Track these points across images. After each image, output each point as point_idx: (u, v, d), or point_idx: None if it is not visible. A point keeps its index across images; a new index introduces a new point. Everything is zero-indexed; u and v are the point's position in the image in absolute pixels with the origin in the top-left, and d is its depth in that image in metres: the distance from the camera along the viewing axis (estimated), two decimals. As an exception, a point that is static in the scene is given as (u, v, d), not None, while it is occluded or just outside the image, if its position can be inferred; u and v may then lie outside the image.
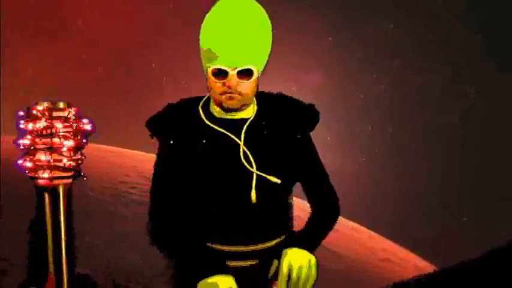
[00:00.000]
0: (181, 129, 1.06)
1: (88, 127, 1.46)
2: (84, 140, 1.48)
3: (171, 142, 1.05)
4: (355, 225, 12.43)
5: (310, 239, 1.06)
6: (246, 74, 0.98)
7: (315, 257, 1.01)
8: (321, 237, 1.10)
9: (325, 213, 1.14)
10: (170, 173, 1.07)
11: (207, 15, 1.00)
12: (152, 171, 1.12)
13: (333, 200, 1.16)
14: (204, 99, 1.11)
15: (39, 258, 1.51)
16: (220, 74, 0.98)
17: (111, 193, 8.95)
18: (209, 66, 0.99)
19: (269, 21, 1.02)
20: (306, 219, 1.14)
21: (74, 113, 1.45)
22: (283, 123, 1.08)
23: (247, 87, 1.00)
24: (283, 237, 1.08)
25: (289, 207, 1.12)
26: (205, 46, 0.99)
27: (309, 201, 1.17)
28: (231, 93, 0.98)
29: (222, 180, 1.02)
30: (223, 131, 1.03)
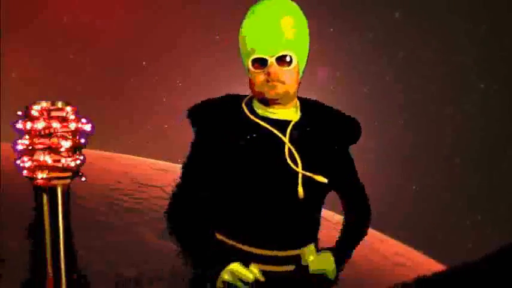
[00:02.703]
0: (224, 122, 1.10)
1: (87, 127, 1.53)
2: (82, 140, 1.56)
3: (212, 135, 1.09)
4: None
5: (343, 252, 1.19)
6: (285, 60, 1.06)
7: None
8: (352, 248, 1.22)
9: (359, 224, 1.24)
10: (205, 165, 1.09)
11: (246, 15, 1.11)
12: (184, 162, 1.14)
13: (367, 212, 1.26)
14: (247, 97, 1.17)
15: (38, 258, 1.61)
16: (260, 63, 1.06)
17: (102, 201, 8.99)
18: (249, 58, 1.07)
19: (302, 13, 1.12)
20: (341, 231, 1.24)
21: (72, 112, 1.54)
22: (327, 131, 1.14)
23: (288, 75, 1.06)
24: (313, 243, 1.14)
25: (321, 213, 1.18)
26: (244, 41, 1.08)
27: (345, 211, 1.25)
28: (272, 81, 1.05)
29: (265, 177, 1.06)
30: (269, 127, 1.08)
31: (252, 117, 1.10)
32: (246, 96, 1.18)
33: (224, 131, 1.09)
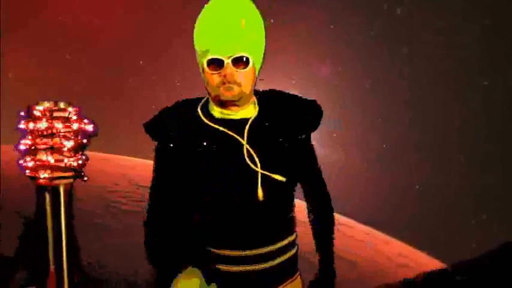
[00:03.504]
0: (180, 131, 1.10)
1: (89, 127, 1.59)
2: (85, 140, 1.62)
3: (171, 145, 1.10)
4: (368, 229, 12.53)
5: (328, 269, 1.24)
6: (241, 62, 1.05)
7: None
8: (332, 254, 1.27)
9: (327, 227, 1.28)
10: (170, 178, 1.11)
11: (201, 13, 1.09)
12: (150, 177, 1.15)
13: (329, 205, 1.30)
14: (203, 101, 1.17)
15: (40, 257, 1.66)
16: (216, 64, 1.04)
17: (99, 203, 9.04)
18: (205, 58, 1.06)
19: (258, 13, 1.11)
20: (313, 237, 1.28)
21: (74, 113, 1.60)
22: (286, 121, 1.14)
23: (244, 76, 1.06)
24: (286, 240, 1.17)
25: (292, 208, 1.20)
26: (199, 40, 1.07)
27: (307, 203, 1.28)
28: (228, 82, 1.04)
29: (226, 180, 1.07)
30: (225, 130, 1.09)
31: (207, 122, 1.10)
32: (201, 98, 1.18)
33: (182, 140, 1.09)
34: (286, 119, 1.15)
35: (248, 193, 1.08)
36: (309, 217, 1.31)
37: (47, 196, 1.66)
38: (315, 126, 1.20)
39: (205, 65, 1.07)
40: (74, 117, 1.60)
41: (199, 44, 1.08)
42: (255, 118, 1.13)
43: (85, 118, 1.59)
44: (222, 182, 1.07)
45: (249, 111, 1.14)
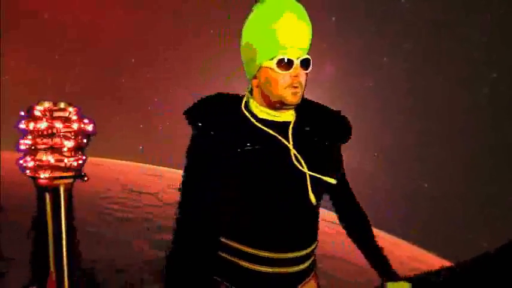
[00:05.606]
0: (226, 128, 1.10)
1: (89, 127, 1.64)
2: (84, 140, 1.68)
3: (212, 138, 1.09)
4: (375, 230, 12.60)
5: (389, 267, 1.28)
6: (306, 64, 1.08)
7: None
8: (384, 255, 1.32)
9: (367, 232, 1.32)
10: (208, 174, 1.10)
11: (261, 10, 1.08)
12: (181, 176, 1.16)
13: (362, 209, 1.35)
14: (244, 99, 1.18)
15: (40, 258, 1.74)
16: (284, 64, 1.05)
17: (92, 210, 9.11)
18: (271, 58, 1.05)
19: None
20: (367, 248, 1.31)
21: (74, 113, 1.67)
22: (324, 129, 1.19)
23: (304, 79, 1.09)
24: (315, 244, 1.21)
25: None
26: (274, 37, 1.04)
27: (339, 211, 1.32)
28: (296, 87, 1.06)
29: (275, 182, 1.09)
30: (273, 133, 1.11)
31: (255, 122, 1.12)
32: (238, 96, 1.20)
33: (227, 138, 1.10)
34: (322, 127, 1.20)
35: (297, 195, 1.11)
36: (344, 227, 1.35)
37: (47, 196, 1.74)
38: (348, 137, 1.26)
39: (273, 64, 1.07)
40: (74, 117, 1.67)
41: (269, 41, 1.07)
42: (295, 122, 1.17)
43: (85, 118, 1.65)
44: (271, 183, 1.09)
45: (291, 114, 1.18)
